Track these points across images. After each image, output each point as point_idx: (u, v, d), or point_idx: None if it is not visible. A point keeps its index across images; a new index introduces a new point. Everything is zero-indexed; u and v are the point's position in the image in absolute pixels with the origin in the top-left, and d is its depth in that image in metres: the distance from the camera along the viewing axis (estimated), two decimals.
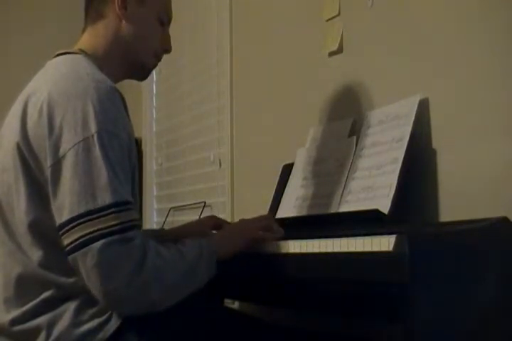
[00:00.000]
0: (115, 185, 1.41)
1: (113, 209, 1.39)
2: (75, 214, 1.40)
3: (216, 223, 1.87)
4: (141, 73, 1.77)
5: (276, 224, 1.65)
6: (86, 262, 1.37)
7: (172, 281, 1.43)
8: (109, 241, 1.37)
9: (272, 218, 1.74)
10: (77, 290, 1.44)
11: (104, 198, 1.40)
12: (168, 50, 1.77)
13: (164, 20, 1.74)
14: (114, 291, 1.38)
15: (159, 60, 1.77)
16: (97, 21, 1.69)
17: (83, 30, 1.72)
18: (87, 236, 1.37)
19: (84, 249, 1.37)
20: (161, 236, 1.75)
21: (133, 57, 1.70)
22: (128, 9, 1.68)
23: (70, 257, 1.40)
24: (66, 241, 1.40)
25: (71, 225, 1.39)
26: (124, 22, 1.68)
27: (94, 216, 1.39)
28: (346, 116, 1.93)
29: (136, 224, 1.43)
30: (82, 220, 1.39)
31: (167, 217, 3.16)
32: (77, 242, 1.38)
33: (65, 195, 1.41)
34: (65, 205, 1.41)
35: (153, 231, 1.95)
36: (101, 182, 1.40)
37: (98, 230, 1.37)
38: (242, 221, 1.73)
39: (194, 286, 1.48)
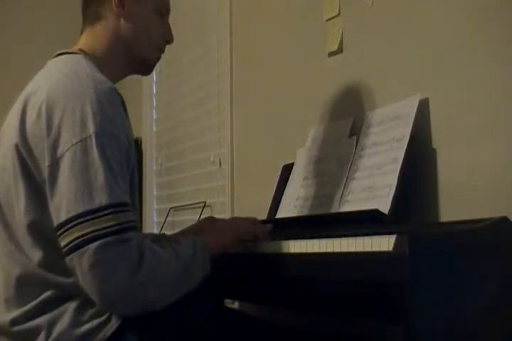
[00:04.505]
0: (112, 185, 1.41)
1: (110, 210, 1.39)
2: (72, 214, 1.39)
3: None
4: (146, 68, 1.77)
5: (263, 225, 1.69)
6: (82, 263, 1.37)
7: (168, 281, 1.43)
8: (105, 242, 1.36)
9: (258, 220, 1.76)
10: (77, 290, 1.44)
11: (102, 199, 1.39)
12: (169, 41, 1.76)
13: (162, 11, 1.73)
14: (110, 292, 1.37)
15: (162, 51, 1.76)
16: (95, 23, 1.69)
17: (81, 32, 1.72)
18: (84, 237, 1.37)
19: (81, 250, 1.37)
20: (158, 240, 1.75)
21: (136, 54, 1.70)
22: (126, 8, 1.68)
23: (67, 258, 1.39)
24: (63, 242, 1.40)
25: (68, 226, 1.39)
26: (122, 21, 1.68)
27: (91, 216, 1.38)
28: (346, 116, 1.93)
29: (133, 225, 1.42)
30: (79, 221, 1.38)
31: (167, 217, 3.16)
32: (74, 243, 1.38)
33: (63, 196, 1.41)
34: (62, 206, 1.41)
35: (153, 236, 1.95)
36: (98, 183, 1.40)
37: (95, 231, 1.37)
38: (233, 218, 1.75)
39: (190, 285, 1.48)
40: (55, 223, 1.42)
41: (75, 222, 1.39)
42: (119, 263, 1.36)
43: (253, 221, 1.72)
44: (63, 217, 1.40)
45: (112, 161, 1.43)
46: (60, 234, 1.40)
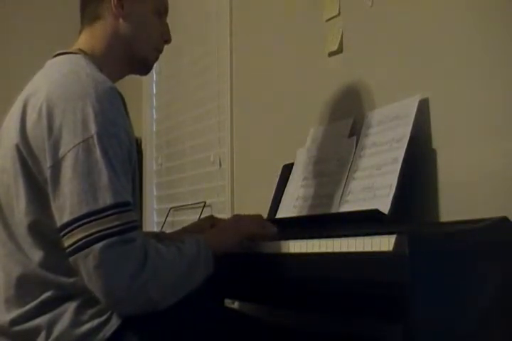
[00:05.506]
0: (116, 185, 1.41)
1: (114, 210, 1.39)
2: (76, 215, 1.39)
3: (213, 224, 1.87)
4: (145, 68, 1.77)
5: (268, 222, 1.67)
6: (87, 263, 1.37)
7: (172, 281, 1.44)
8: (110, 243, 1.37)
9: (262, 216, 1.75)
10: (77, 290, 1.44)
11: (105, 199, 1.40)
12: (168, 40, 1.76)
13: (161, 11, 1.74)
14: (115, 292, 1.38)
15: (161, 52, 1.77)
16: (94, 23, 1.69)
17: (80, 31, 1.72)
18: (89, 238, 1.37)
19: (86, 250, 1.37)
20: (161, 239, 1.75)
21: (134, 54, 1.70)
22: (124, 8, 1.68)
23: (71, 259, 1.40)
24: (67, 243, 1.40)
25: (72, 226, 1.39)
26: (121, 21, 1.68)
27: (96, 217, 1.38)
28: (346, 116, 1.93)
29: (137, 225, 1.43)
30: (83, 221, 1.39)
31: (167, 217, 3.16)
32: (78, 244, 1.38)
33: (66, 196, 1.41)
34: (65, 206, 1.41)
35: (153, 234, 1.95)
36: (102, 183, 1.40)
37: (99, 231, 1.37)
38: (236, 217, 1.75)
39: (193, 285, 1.48)
40: (58, 224, 1.42)
41: (78, 223, 1.39)
42: (124, 263, 1.37)
43: (258, 219, 1.71)
44: (66, 218, 1.40)
45: (115, 161, 1.43)
46: (64, 235, 1.40)
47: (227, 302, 2.18)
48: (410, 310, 1.20)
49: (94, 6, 1.69)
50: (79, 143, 1.43)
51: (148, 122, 3.55)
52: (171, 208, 3.17)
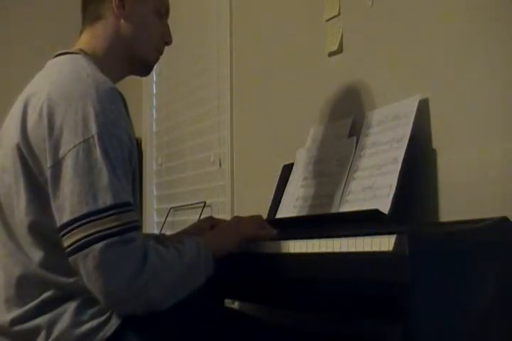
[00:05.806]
0: (116, 186, 1.41)
1: (114, 211, 1.39)
2: (76, 215, 1.40)
3: (213, 224, 1.87)
4: (145, 69, 1.78)
5: (267, 224, 1.67)
6: (87, 263, 1.37)
7: (172, 282, 1.44)
8: (109, 243, 1.37)
9: (262, 218, 1.75)
10: (78, 290, 1.44)
11: (105, 199, 1.40)
12: (168, 42, 1.77)
13: (162, 12, 1.74)
14: (115, 292, 1.38)
15: (161, 53, 1.77)
16: (95, 22, 1.69)
17: (81, 32, 1.72)
18: (88, 238, 1.37)
19: (85, 251, 1.37)
20: (160, 241, 1.75)
21: (135, 54, 1.70)
22: (126, 8, 1.68)
23: (70, 258, 1.40)
24: (67, 243, 1.40)
25: (72, 226, 1.39)
26: (122, 21, 1.68)
27: (95, 217, 1.39)
28: (346, 116, 1.93)
29: (137, 225, 1.43)
30: (82, 222, 1.39)
31: (167, 217, 3.16)
32: (78, 243, 1.38)
33: (66, 196, 1.41)
34: (65, 206, 1.41)
35: (152, 236, 1.95)
36: (102, 184, 1.40)
37: (99, 232, 1.37)
38: (236, 218, 1.75)
39: (192, 286, 1.48)
40: (58, 224, 1.42)
41: (78, 223, 1.39)
42: (124, 263, 1.37)
43: (257, 220, 1.71)
44: (66, 218, 1.40)
45: (115, 161, 1.43)
46: (64, 235, 1.40)
47: (227, 302, 2.18)
48: (410, 310, 1.20)
49: (96, 6, 1.69)
50: (79, 143, 1.43)
51: (148, 122, 3.55)
52: (171, 208, 3.17)
